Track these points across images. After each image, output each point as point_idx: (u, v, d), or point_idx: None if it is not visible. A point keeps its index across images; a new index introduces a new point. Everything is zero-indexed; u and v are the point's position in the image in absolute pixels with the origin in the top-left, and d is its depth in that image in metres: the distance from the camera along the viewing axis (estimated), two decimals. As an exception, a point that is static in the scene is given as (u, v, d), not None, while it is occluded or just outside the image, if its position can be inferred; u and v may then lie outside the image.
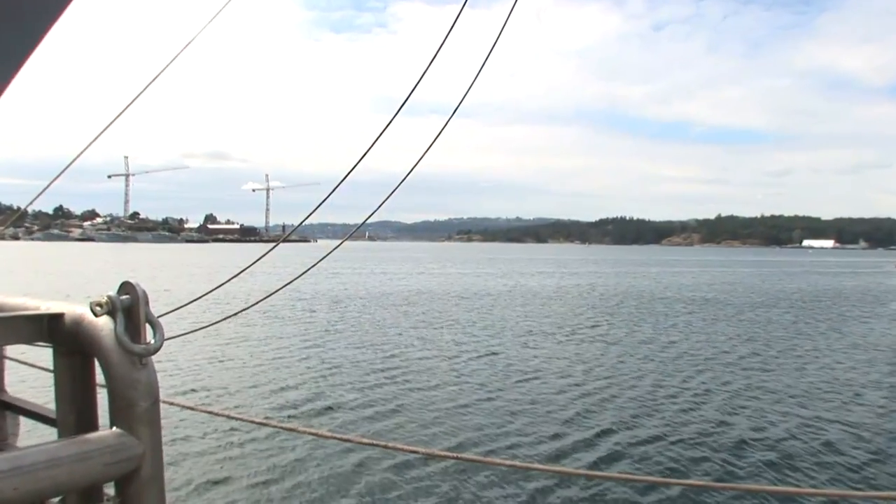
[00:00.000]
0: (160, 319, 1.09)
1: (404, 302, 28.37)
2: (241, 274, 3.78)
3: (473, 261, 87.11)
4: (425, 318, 22.60)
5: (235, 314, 4.20)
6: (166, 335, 1.12)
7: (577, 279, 48.88)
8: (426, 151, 3.42)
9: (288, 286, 3.93)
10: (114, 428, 1.03)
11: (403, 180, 3.44)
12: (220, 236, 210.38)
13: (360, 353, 15.41)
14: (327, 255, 3.73)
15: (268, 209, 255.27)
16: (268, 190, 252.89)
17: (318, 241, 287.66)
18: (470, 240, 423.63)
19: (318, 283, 37.57)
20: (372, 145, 3.34)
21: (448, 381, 12.61)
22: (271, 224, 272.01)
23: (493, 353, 15.67)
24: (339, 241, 4.03)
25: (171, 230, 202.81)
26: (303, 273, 3.82)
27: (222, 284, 3.74)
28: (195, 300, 3.82)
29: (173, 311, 3.51)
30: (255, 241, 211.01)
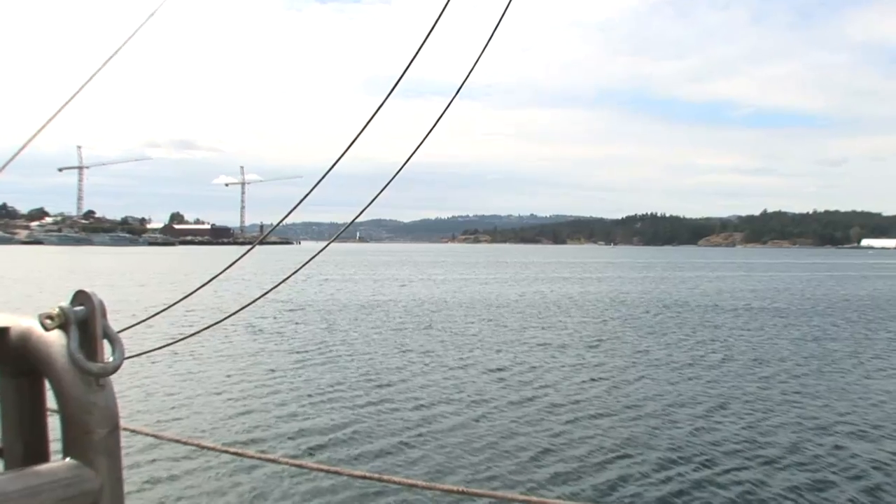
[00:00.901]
0: (120, 334, 1.10)
1: (401, 313, 28.43)
2: (213, 281, 3.79)
3: (481, 265, 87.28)
4: (425, 333, 22.64)
5: (206, 328, 4.20)
6: (127, 352, 1.12)
7: (600, 286, 48.87)
8: (424, 138, 3.43)
9: (266, 295, 3.94)
10: (67, 459, 1.03)
11: (398, 172, 3.44)
12: (188, 238, 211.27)
13: (350, 373, 15.43)
14: (311, 259, 3.74)
15: (243, 206, 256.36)
16: (243, 184, 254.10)
17: (302, 242, 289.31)
18: (476, 240, 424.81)
19: (301, 292, 37.69)
20: (362, 131, 3.35)
21: (450, 408, 12.60)
22: (247, 223, 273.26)
23: (503, 376, 15.65)
24: (324, 243, 4.04)
25: (131, 231, 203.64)
26: (284, 280, 3.83)
27: (191, 294, 3.75)
28: (160, 312, 3.84)
29: (135, 324, 3.54)
30: (228, 243, 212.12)
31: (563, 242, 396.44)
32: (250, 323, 23.90)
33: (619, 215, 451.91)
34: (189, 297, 3.78)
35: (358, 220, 3.91)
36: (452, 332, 22.68)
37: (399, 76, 3.19)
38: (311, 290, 40.04)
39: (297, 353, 18.14)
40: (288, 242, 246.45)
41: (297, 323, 24.58)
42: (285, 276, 3.83)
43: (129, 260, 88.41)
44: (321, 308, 29.85)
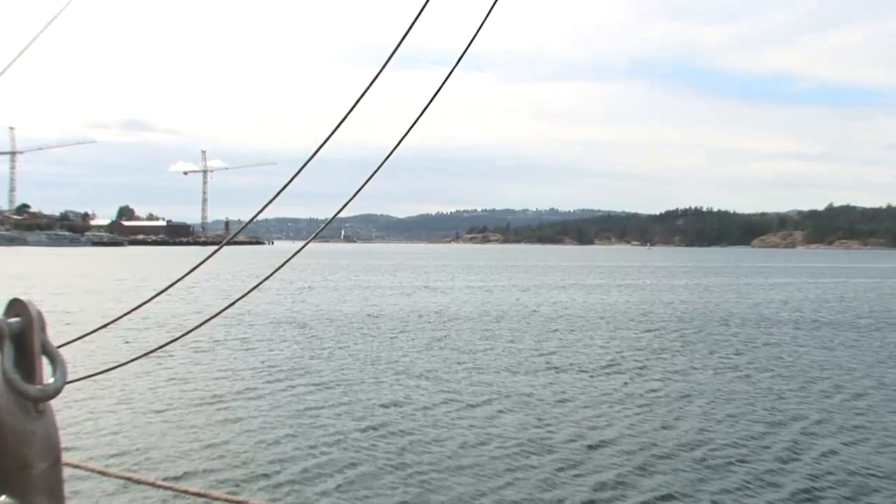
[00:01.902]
0: (61, 350, 1.10)
1: (395, 330, 28.49)
2: (170, 289, 3.80)
3: (491, 270, 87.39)
4: (425, 354, 22.71)
5: (163, 346, 4.22)
6: (71, 374, 1.13)
7: (635, 296, 48.90)
8: (419, 116, 3.43)
9: (233, 306, 3.95)
10: (3, 497, 1.03)
11: (389, 156, 3.45)
12: (140, 237, 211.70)
13: (331, 403, 15.46)
14: (285, 262, 3.75)
15: (205, 199, 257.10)
16: (205, 172, 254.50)
17: (275, 242, 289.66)
18: (485, 240, 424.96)
19: (274, 302, 37.74)
20: (351, 110, 3.36)
21: (454, 444, 12.58)
22: (210, 219, 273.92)
23: (527, 408, 15.69)
24: (303, 243, 4.05)
25: (72, 228, 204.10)
26: (253, 288, 3.83)
27: (144, 304, 3.77)
28: (108, 325, 3.85)
29: (78, 339, 3.54)
30: (187, 242, 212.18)
31: (591, 243, 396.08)
32: (213, 339, 23.94)
33: (657, 210, 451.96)
34: (142, 308, 3.79)
35: (342, 215, 3.91)
36: (459, 353, 22.71)
37: (395, 46, 3.20)
38: (286, 300, 40.12)
39: (268, 375, 18.18)
40: (259, 242, 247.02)
41: (268, 340, 24.64)
42: (255, 284, 3.83)
43: (70, 263, 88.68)
44: (298, 322, 29.91)
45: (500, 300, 42.41)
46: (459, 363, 20.38)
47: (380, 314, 33.27)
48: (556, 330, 28.56)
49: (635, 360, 21.40)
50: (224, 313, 4.14)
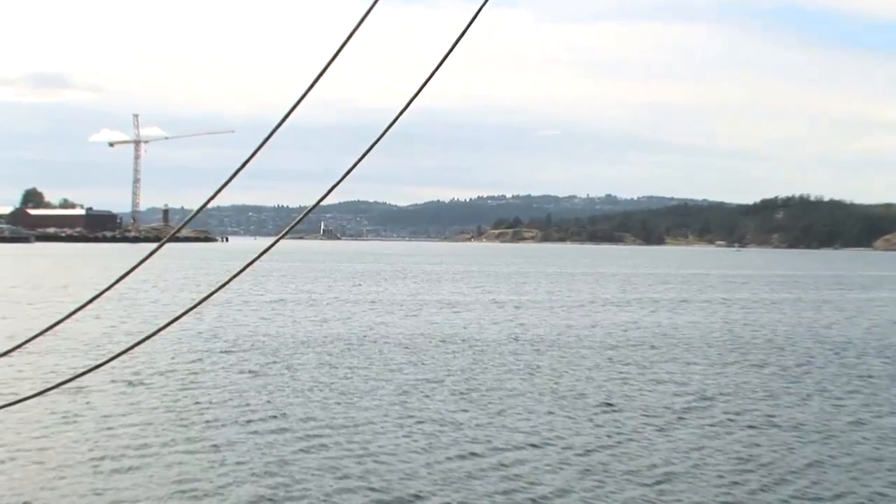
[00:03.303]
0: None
1: (394, 358, 28.61)
2: (91, 304, 3.80)
3: (528, 278, 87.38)
4: (432, 390, 22.83)
5: (78, 376, 4.22)
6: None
7: (718, 315, 48.93)
8: (435, 70, 3.40)
9: (173, 324, 3.95)
10: None
11: (392, 125, 3.43)
12: (52, 230, 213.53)
13: (306, 468, 15.52)
14: (245, 266, 3.72)
15: (137, 180, 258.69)
16: (137, 144, 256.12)
17: (232, 238, 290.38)
18: (518, 237, 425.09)
19: (231, 320, 38.02)
20: (333, 59, 3.33)
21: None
22: (144, 207, 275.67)
23: (566, 455, 15.87)
24: (267, 241, 4.03)
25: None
26: (201, 301, 3.83)
27: (55, 325, 3.77)
28: (6, 353, 3.85)
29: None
30: (114, 238, 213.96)
31: (661, 242, 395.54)
32: (146, 363, 24.17)
33: (750, 199, 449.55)
34: (53, 329, 3.80)
35: (324, 202, 3.90)
36: (485, 393, 22.79)
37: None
38: (246, 317, 40.36)
39: (212, 423, 18.31)
40: (210, 239, 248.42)
41: (217, 371, 24.79)
42: (204, 296, 3.83)
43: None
44: (260, 348, 30.07)
45: (538, 321, 42.37)
46: (485, 406, 20.44)
47: (373, 339, 33.31)
48: (615, 361, 28.59)
49: (722, 404, 21.42)
50: (161, 334, 4.14)
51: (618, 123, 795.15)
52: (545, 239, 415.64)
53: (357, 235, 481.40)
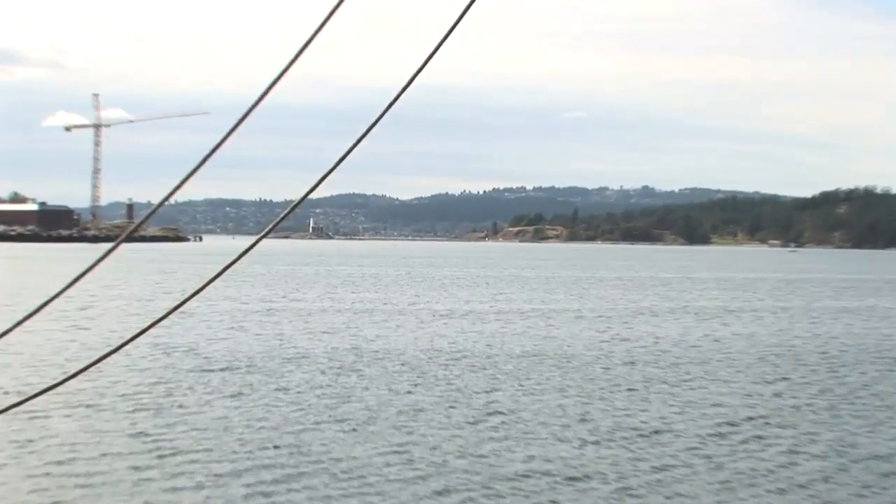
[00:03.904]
0: None
1: (400, 377, 28.67)
2: (38, 315, 3.82)
3: (553, 283, 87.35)
4: (447, 418, 22.82)
5: (28, 399, 4.23)
6: None
7: (772, 326, 48.94)
8: (444, 39, 3.41)
9: (138, 338, 3.96)
10: None
11: (393, 103, 3.44)
12: (0, 228, 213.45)
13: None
14: (223, 271, 3.73)
15: (98, 169, 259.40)
16: (98, 128, 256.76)
17: (206, 238, 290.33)
18: (542, 235, 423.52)
19: (203, 334, 38.05)
20: (321, 27, 3.34)
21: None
22: (105, 201, 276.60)
23: (609, 484, 15.90)
24: (247, 240, 4.04)
25: None
26: (169, 313, 3.83)
27: (6, 332, 3.79)
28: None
29: None
30: (70, 237, 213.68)
31: (706, 241, 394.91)
32: (107, 383, 24.19)
33: (807, 191, 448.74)
34: (3, 338, 3.81)
35: (314, 195, 3.91)
36: (507, 416, 22.79)
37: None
38: (222, 330, 40.42)
39: (184, 439, 18.36)
40: (180, 238, 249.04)
41: (189, 390, 24.84)
42: (174, 305, 3.84)
43: None
44: (241, 366, 30.15)
45: (567, 332, 42.44)
46: (506, 433, 20.42)
47: (375, 355, 33.35)
48: (654, 380, 28.69)
49: (776, 428, 21.42)
50: (123, 350, 4.16)
51: (656, 105, 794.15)
52: (572, 238, 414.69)
53: (352, 234, 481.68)
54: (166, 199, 3.85)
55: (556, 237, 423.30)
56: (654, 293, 74.75)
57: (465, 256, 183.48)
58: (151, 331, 4.06)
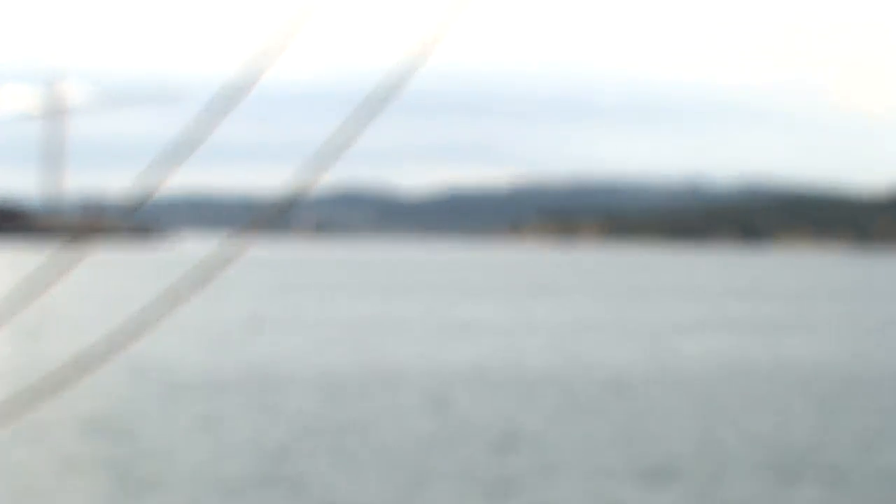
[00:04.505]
0: None
1: (413, 404, 28.88)
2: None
3: (584, 292, 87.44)
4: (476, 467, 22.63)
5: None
6: None
7: (845, 345, 48.52)
8: (456, 11, 3.42)
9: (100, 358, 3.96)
10: None
11: (398, 85, 3.44)
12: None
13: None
14: (203, 278, 3.73)
15: (52, 157, 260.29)
16: (55, 109, 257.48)
17: (183, 238, 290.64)
18: (570, 231, 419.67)
19: (180, 354, 38.13)
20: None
21: None
22: (61, 195, 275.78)
23: None
24: (231, 240, 4.05)
25: None
26: (141, 329, 3.84)
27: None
28: None
29: None
30: (19, 236, 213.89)
31: (766, 242, 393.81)
32: (60, 407, 24.30)
33: (886, 186, 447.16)
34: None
35: (309, 189, 3.92)
36: (538, 452, 22.92)
37: None
38: (202, 349, 40.56)
39: (153, 472, 18.51)
40: (154, 238, 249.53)
41: (159, 415, 25.21)
42: (143, 318, 3.85)
43: None
44: (224, 387, 30.49)
45: (605, 351, 42.60)
46: (536, 468, 20.68)
47: (388, 378, 33.52)
48: (714, 403, 28.91)
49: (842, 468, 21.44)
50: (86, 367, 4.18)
51: (706, 83, 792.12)
52: (610, 233, 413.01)
53: (350, 231, 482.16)
54: (142, 202, 3.87)
55: (590, 236, 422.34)
56: (702, 300, 74.31)
57: (480, 260, 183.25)
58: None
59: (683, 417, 26.66)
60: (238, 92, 3.46)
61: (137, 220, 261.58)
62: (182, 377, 31.19)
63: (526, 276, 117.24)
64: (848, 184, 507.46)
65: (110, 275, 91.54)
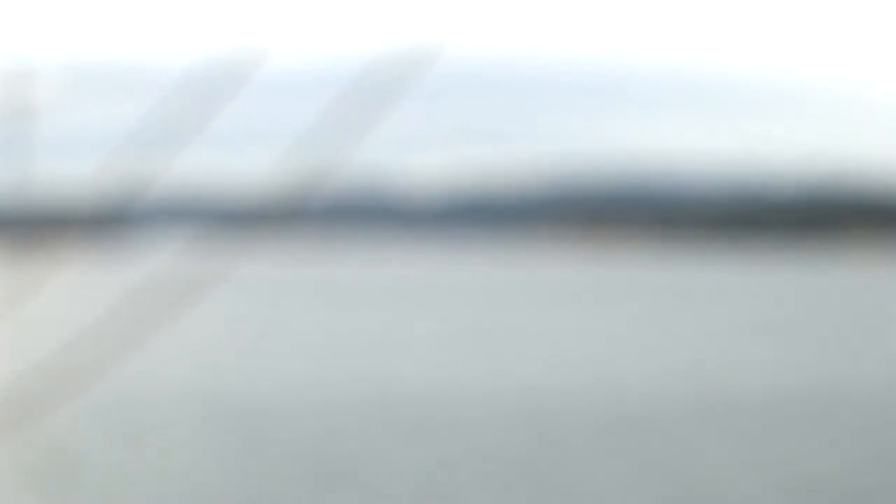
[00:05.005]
0: None
1: (421, 425, 29.10)
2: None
3: (622, 301, 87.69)
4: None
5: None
6: None
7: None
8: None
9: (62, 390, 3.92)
10: None
11: (409, 68, 3.39)
12: None
13: None
14: (187, 299, 3.67)
15: (17, 153, 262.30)
16: (18, 107, 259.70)
17: (159, 247, 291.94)
18: (608, 229, 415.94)
19: (155, 385, 38.34)
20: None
21: None
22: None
23: None
24: (216, 254, 4.00)
25: None
26: (123, 350, 3.79)
27: None
28: None
29: None
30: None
31: (835, 247, 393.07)
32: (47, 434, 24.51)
33: None
34: None
35: (306, 189, 3.88)
36: (563, 491, 23.08)
37: None
38: (186, 379, 40.69)
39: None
40: (116, 249, 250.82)
41: (138, 443, 25.38)
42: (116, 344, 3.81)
43: None
44: (202, 408, 30.71)
45: (637, 379, 42.65)
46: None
47: (385, 399, 33.77)
48: (735, 430, 28.89)
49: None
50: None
51: (762, 65, 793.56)
52: (661, 235, 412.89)
53: (360, 240, 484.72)
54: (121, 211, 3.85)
55: (637, 244, 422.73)
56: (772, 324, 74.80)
57: (505, 277, 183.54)
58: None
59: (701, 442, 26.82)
60: (232, 78, 3.46)
61: (113, 224, 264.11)
62: (154, 410, 31.47)
63: (564, 293, 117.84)
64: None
65: (61, 288, 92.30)
